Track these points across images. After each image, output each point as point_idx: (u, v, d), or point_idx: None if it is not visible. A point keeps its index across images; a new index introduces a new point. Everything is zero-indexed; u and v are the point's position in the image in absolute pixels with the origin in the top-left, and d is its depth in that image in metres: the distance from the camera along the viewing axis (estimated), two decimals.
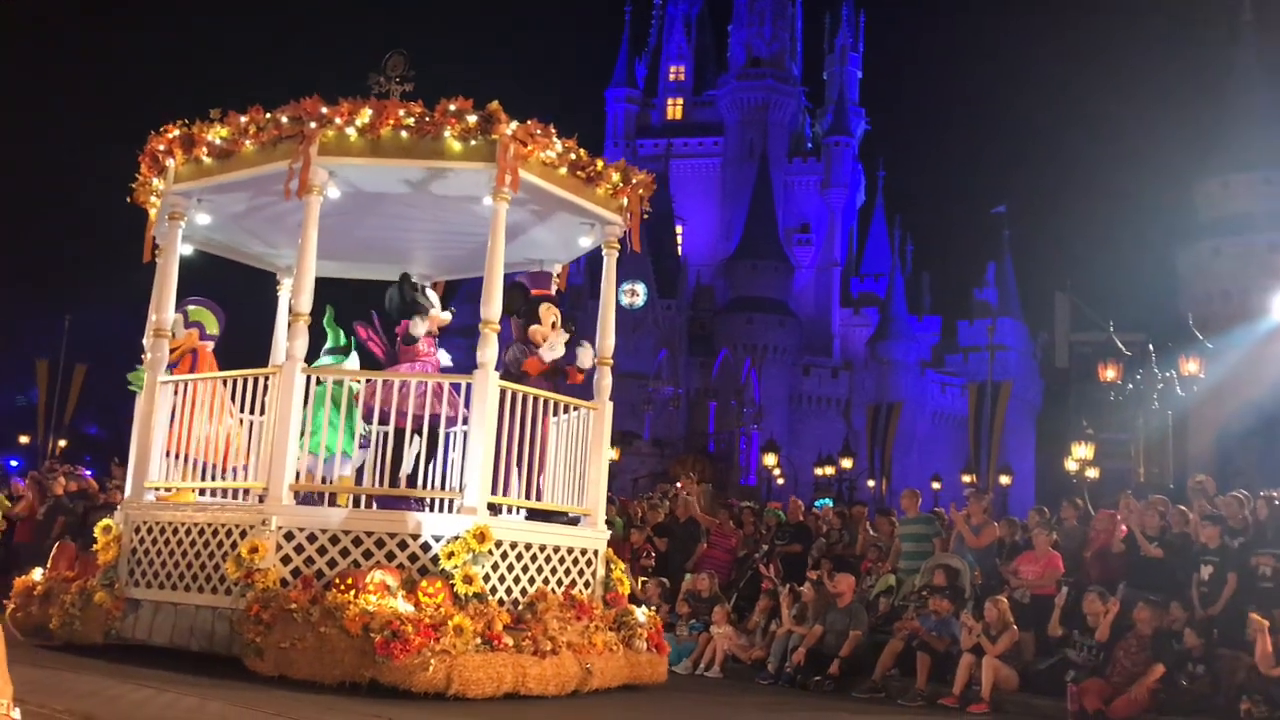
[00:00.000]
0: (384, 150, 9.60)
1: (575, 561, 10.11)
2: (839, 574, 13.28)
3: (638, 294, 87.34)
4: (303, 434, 9.75)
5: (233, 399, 10.29)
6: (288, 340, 9.61)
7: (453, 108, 9.46)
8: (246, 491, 10.23)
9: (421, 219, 11.13)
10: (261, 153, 9.91)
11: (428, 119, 9.46)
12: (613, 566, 10.43)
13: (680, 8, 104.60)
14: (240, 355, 11.51)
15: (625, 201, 10.64)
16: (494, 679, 8.50)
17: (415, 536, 9.14)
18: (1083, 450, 40.84)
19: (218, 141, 10.06)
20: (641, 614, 10.32)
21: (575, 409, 10.40)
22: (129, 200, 11.78)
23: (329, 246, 12.12)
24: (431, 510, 9.87)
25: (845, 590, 12.96)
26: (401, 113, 9.46)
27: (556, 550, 9.93)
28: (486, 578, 9.07)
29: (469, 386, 9.56)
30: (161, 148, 10.50)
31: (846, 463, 59.71)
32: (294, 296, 9.62)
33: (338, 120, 9.51)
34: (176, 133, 10.35)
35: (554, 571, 9.87)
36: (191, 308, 11.08)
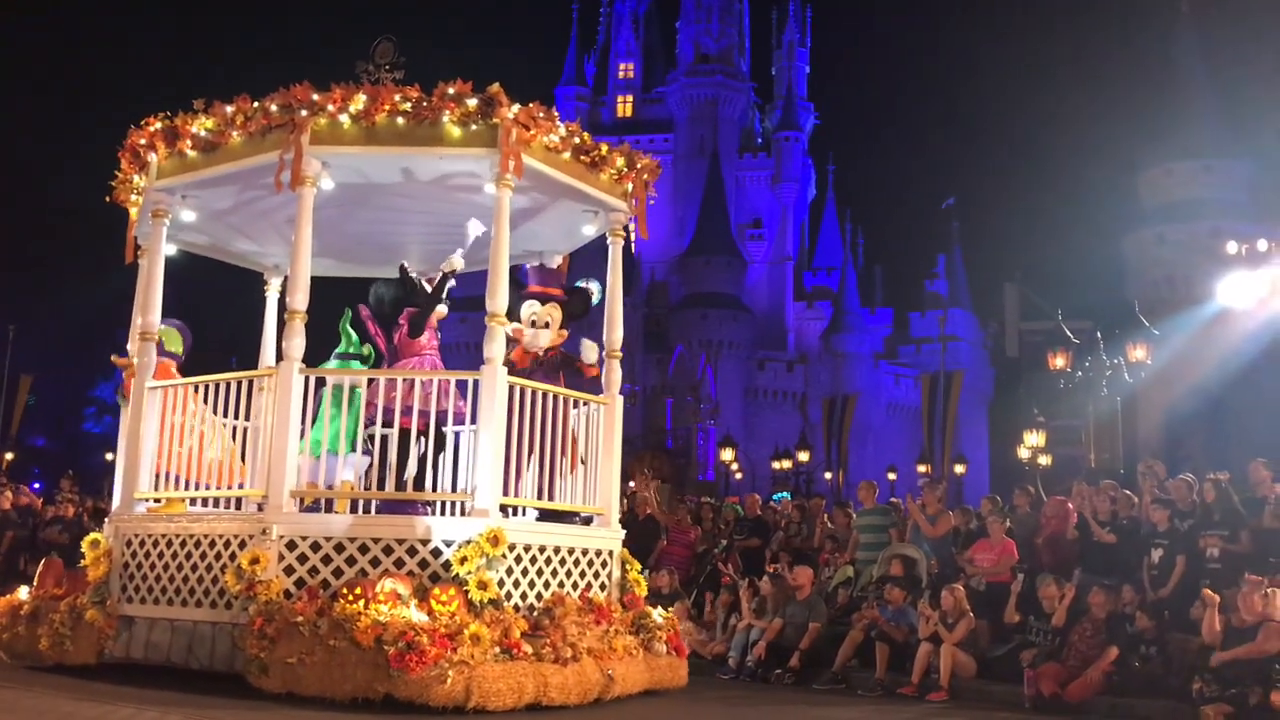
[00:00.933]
0: (379, 138, 9.16)
1: (590, 563, 9.72)
2: (797, 567, 13.39)
3: (593, 291, 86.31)
4: (303, 435, 9.36)
5: (223, 408, 9.81)
6: (284, 340, 9.14)
7: (451, 91, 9.04)
8: (238, 502, 9.82)
9: (417, 211, 10.69)
10: (250, 144, 9.45)
11: (425, 104, 9.04)
12: (628, 567, 10.04)
13: (628, 5, 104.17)
14: (217, 365, 11.00)
15: (630, 187, 10.25)
16: (515, 689, 8.07)
17: (425, 542, 8.71)
18: (1034, 438, 41.55)
19: (203, 133, 9.58)
20: (659, 615, 9.93)
21: (585, 404, 9.98)
22: (107, 199, 11.28)
23: (319, 242, 11.66)
24: (440, 514, 9.45)
25: (804, 583, 12.98)
26: (397, 98, 9.03)
27: (571, 552, 9.53)
28: (501, 583, 8.66)
29: (476, 383, 9.13)
30: (143, 142, 10.01)
31: (803, 456, 59.76)
32: (289, 294, 9.17)
33: (330, 107, 9.08)
34: (158, 125, 9.87)
35: (569, 574, 9.47)
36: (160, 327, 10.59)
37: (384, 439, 9.46)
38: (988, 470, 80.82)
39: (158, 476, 9.83)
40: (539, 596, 9.09)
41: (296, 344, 9.07)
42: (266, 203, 10.52)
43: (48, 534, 19.16)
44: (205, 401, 10.09)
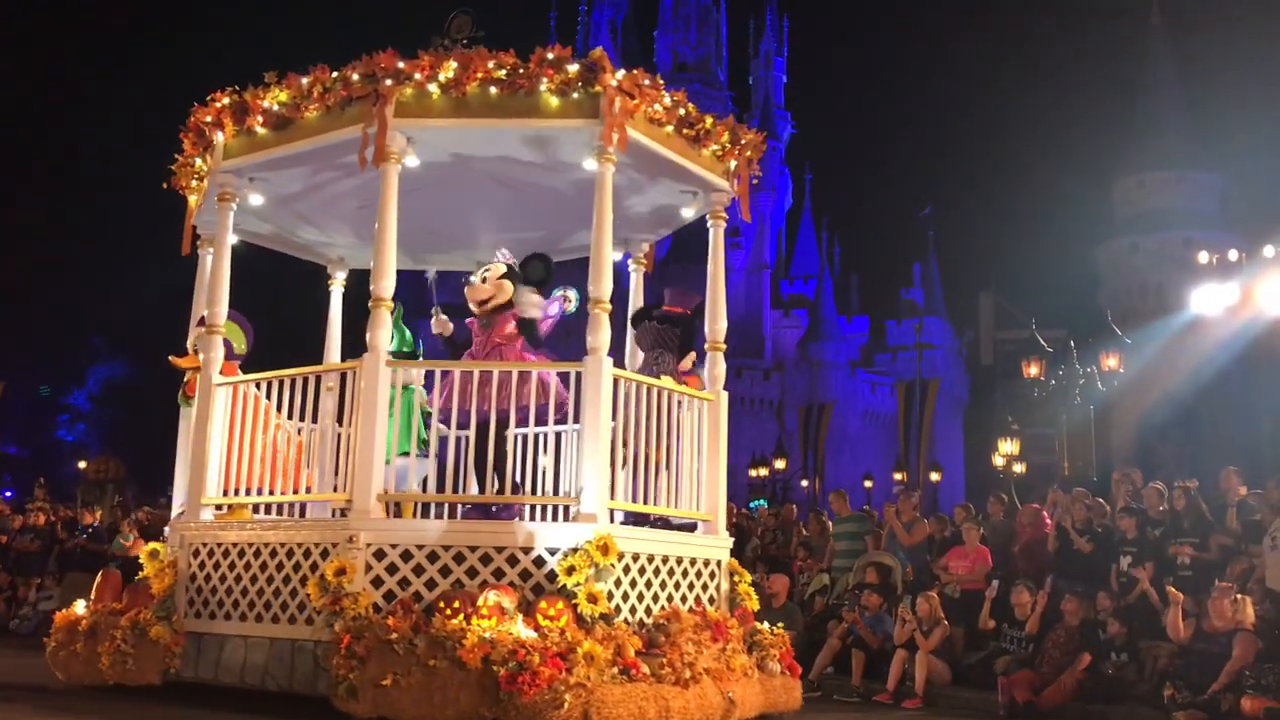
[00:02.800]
0: (470, 109, 8.37)
1: (699, 574, 8.88)
2: (773, 574, 13.73)
3: (571, 299, 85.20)
4: None
5: (286, 409, 9.05)
6: (370, 330, 8.34)
7: (550, 56, 8.24)
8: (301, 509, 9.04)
9: (495, 194, 9.89)
10: (327, 118, 8.68)
11: (521, 71, 8.24)
12: (737, 578, 9.18)
13: (605, 14, 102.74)
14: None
15: (732, 165, 9.43)
16: (636, 715, 7.20)
17: (526, 550, 7.89)
18: (1009, 445, 41.91)
19: (275, 108, 8.82)
20: (771, 631, 9.08)
21: (690, 401, 9.14)
22: (165, 185, 10.54)
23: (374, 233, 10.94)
24: (534, 519, 8.65)
25: (780, 590, 13.22)
26: (491, 64, 8.24)
27: (679, 561, 8.70)
28: (609, 595, 7.82)
29: (578, 376, 8.32)
30: (208, 119, 9.26)
31: (780, 463, 59.47)
32: (374, 280, 8.36)
33: (417, 76, 8.29)
34: (226, 101, 9.11)
35: (676, 586, 8.64)
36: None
37: (468, 436, 8.65)
38: (963, 478, 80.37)
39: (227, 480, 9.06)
40: (647, 611, 8.27)
41: (382, 335, 8.29)
42: (338, 187, 9.77)
43: (19, 543, 18.79)
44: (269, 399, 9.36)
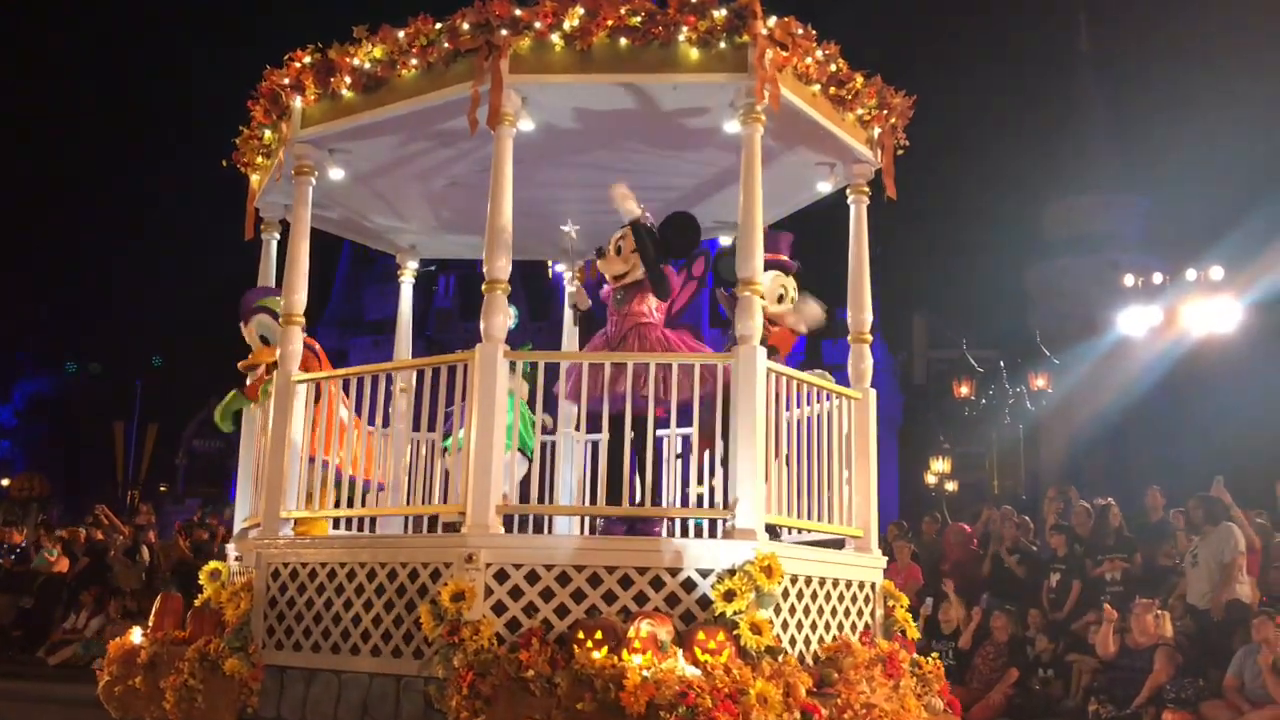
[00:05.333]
0: (595, 64, 7.24)
1: (854, 598, 7.75)
2: None
3: (510, 315, 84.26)
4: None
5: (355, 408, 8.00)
6: (484, 317, 7.22)
7: (692, 0, 7.12)
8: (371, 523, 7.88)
9: (597, 169, 8.77)
10: (427, 76, 7.55)
11: (659, 17, 7.12)
12: (892, 602, 8.05)
13: None
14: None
15: (876, 132, 8.32)
16: None
17: (674, 571, 6.74)
18: (940, 464, 42.31)
19: (368, 66, 7.70)
20: (930, 661, 7.96)
21: (834, 397, 8.01)
22: (224, 164, 9.45)
23: (454, 217, 9.85)
24: (673, 535, 7.54)
25: None
26: (624, 10, 7.11)
27: (835, 584, 7.57)
28: (770, 624, 6.68)
29: (726, 369, 7.18)
30: (286, 82, 8.14)
31: None
32: (488, 261, 7.23)
33: (537, 25, 7.18)
34: (308, 60, 8.00)
35: (833, 613, 7.50)
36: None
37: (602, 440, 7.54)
38: (897, 495, 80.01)
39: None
40: (807, 642, 7.14)
41: (498, 322, 7.16)
42: (428, 160, 8.67)
43: None
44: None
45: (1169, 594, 11.72)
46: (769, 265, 8.14)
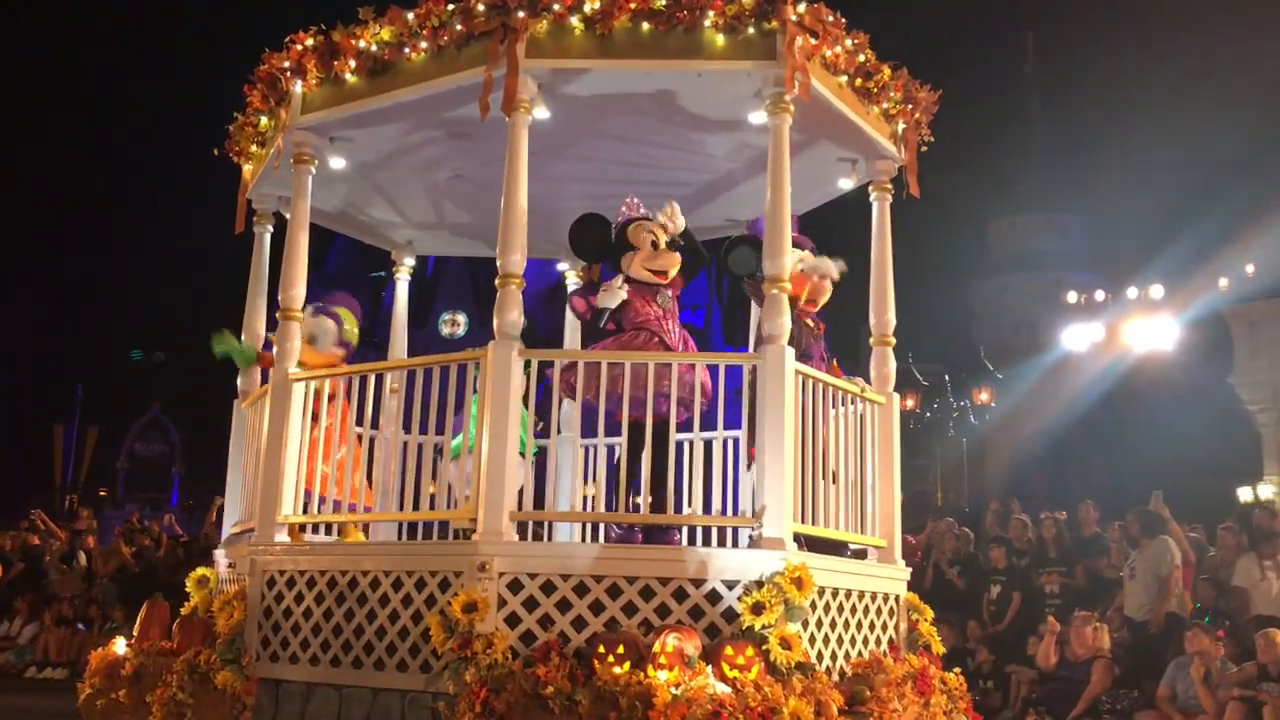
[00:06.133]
0: (615, 49, 6.87)
1: (878, 611, 7.41)
2: None
3: (459, 324, 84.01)
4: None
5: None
6: (497, 314, 6.85)
7: None
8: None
9: (608, 163, 8.45)
10: (437, 60, 7.18)
11: (685, 0, 6.78)
12: (917, 616, 7.71)
13: None
14: None
15: (900, 128, 8.01)
16: None
17: (697, 582, 6.39)
18: None
19: (374, 48, 7.32)
20: (953, 677, 7.64)
21: (856, 401, 7.67)
22: (216, 153, 9.06)
23: (455, 212, 9.51)
24: (694, 543, 7.20)
25: None
26: None
27: (861, 596, 7.23)
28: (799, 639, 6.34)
29: (753, 370, 6.85)
30: (287, 65, 7.74)
31: None
32: (501, 255, 6.86)
33: (556, 7, 6.82)
34: (310, 43, 7.61)
35: (859, 627, 7.17)
36: (340, 308, 8.40)
37: (622, 443, 7.19)
38: None
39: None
40: (834, 656, 6.81)
41: (512, 319, 6.79)
42: (433, 150, 8.31)
43: None
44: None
45: (1107, 607, 11.82)
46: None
